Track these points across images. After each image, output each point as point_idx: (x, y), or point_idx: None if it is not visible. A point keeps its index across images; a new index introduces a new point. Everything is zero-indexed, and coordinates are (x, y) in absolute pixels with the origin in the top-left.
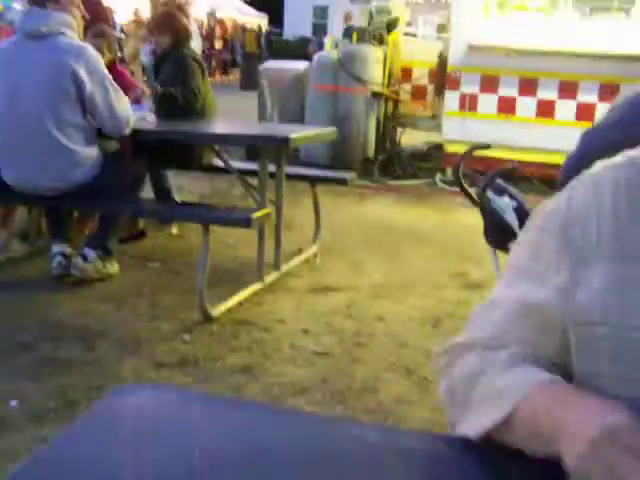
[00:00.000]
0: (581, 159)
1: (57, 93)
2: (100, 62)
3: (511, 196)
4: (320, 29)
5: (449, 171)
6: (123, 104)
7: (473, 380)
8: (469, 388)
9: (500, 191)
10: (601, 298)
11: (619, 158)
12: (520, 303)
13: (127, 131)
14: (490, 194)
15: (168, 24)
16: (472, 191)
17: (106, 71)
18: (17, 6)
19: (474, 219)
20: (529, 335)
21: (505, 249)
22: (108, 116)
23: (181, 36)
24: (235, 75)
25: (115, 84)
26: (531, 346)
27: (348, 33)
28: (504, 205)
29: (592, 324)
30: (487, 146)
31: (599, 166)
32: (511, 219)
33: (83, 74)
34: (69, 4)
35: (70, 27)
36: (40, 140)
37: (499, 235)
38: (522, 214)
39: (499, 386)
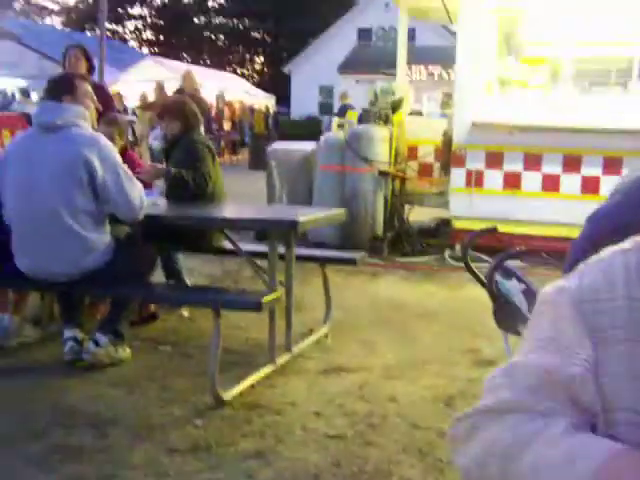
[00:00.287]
0: (589, 243)
1: (70, 182)
2: (112, 150)
3: (519, 279)
4: (326, 108)
5: (458, 247)
6: (136, 190)
7: (516, 451)
8: (509, 460)
9: (508, 274)
10: (618, 382)
11: (627, 243)
12: (549, 373)
13: (141, 216)
14: (498, 277)
15: (178, 111)
16: (480, 273)
17: (119, 158)
18: (34, 97)
19: (483, 295)
20: (561, 406)
21: (515, 332)
22: (122, 202)
23: (191, 122)
24: (244, 155)
25: (128, 171)
26: (568, 416)
27: (342, 111)
28: (512, 288)
29: (611, 410)
30: (494, 229)
31: (608, 252)
32: (520, 302)
33: (96, 163)
34: (83, 96)
35: (84, 118)
36: (54, 228)
37: (509, 318)
38: (530, 296)
39: (566, 453)
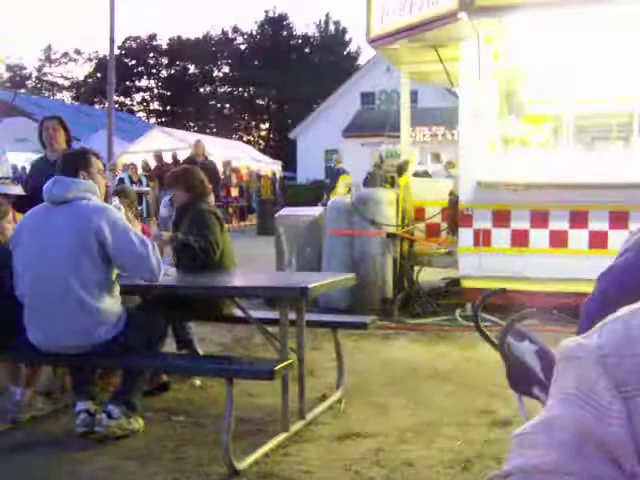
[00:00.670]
0: (602, 301)
1: (81, 253)
2: (121, 217)
3: (531, 340)
4: (332, 172)
5: (468, 306)
6: (149, 250)
7: None
8: None
9: (520, 336)
10: None
11: None
12: (583, 432)
13: (161, 276)
14: (510, 339)
15: (185, 180)
16: (492, 334)
17: (128, 224)
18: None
19: (495, 354)
20: (606, 467)
21: (530, 394)
22: (137, 264)
23: (198, 191)
24: (252, 221)
25: (139, 233)
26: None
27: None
28: (525, 350)
29: None
30: (502, 290)
31: (625, 310)
32: (532, 362)
33: (106, 230)
34: (96, 173)
35: (94, 193)
36: (65, 300)
37: (522, 380)
38: (544, 357)
39: None
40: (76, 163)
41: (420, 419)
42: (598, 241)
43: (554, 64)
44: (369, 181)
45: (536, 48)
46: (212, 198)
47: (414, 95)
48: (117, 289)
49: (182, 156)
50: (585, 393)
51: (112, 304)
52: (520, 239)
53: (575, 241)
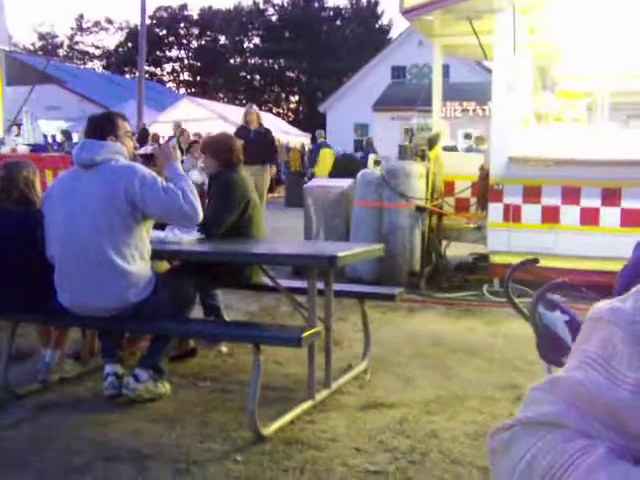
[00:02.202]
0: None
1: (113, 214)
2: (149, 171)
3: (563, 310)
4: (361, 146)
5: (496, 282)
6: (179, 195)
7: (556, 472)
8: (550, 475)
9: (551, 306)
10: None
11: None
12: (593, 392)
13: (200, 216)
14: (541, 309)
15: (213, 148)
16: (522, 306)
17: (156, 176)
18: (75, 138)
19: (523, 330)
20: (604, 428)
21: (560, 364)
22: (173, 212)
23: (228, 161)
24: (280, 193)
25: (168, 184)
26: (608, 440)
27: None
28: (556, 320)
29: None
30: (535, 260)
31: None
32: (564, 333)
33: (136, 187)
34: (124, 137)
35: (122, 154)
36: (96, 263)
37: (553, 350)
38: (575, 327)
39: None
40: (103, 126)
41: (445, 392)
42: (630, 219)
43: (591, 39)
44: (400, 154)
45: (573, 22)
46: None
47: (446, 69)
48: (148, 252)
49: (211, 127)
50: (605, 359)
51: (142, 267)
52: (551, 215)
53: (607, 218)
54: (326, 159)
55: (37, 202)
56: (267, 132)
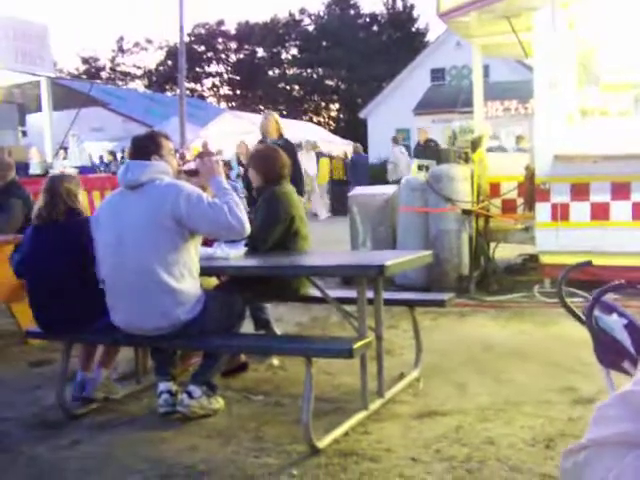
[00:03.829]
0: None
1: (160, 234)
2: (193, 189)
3: (620, 313)
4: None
5: (547, 282)
6: (224, 211)
7: None
8: None
9: (608, 309)
10: None
11: None
12: None
13: (247, 228)
14: (597, 313)
15: (257, 163)
16: (576, 307)
17: (201, 192)
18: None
19: (576, 331)
20: None
21: (619, 369)
22: (220, 228)
23: (272, 175)
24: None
25: (214, 200)
26: None
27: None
28: (613, 323)
29: None
30: (589, 263)
31: None
32: (622, 337)
33: (182, 205)
34: (169, 155)
35: (167, 173)
36: (146, 282)
37: (611, 354)
38: (634, 331)
39: None
40: (147, 147)
41: (500, 397)
42: None
43: (632, 30)
44: (442, 157)
45: (613, 13)
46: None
47: (485, 69)
48: (197, 270)
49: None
50: None
51: (192, 285)
52: (600, 212)
53: None
54: (323, 168)
55: (82, 213)
56: (287, 143)
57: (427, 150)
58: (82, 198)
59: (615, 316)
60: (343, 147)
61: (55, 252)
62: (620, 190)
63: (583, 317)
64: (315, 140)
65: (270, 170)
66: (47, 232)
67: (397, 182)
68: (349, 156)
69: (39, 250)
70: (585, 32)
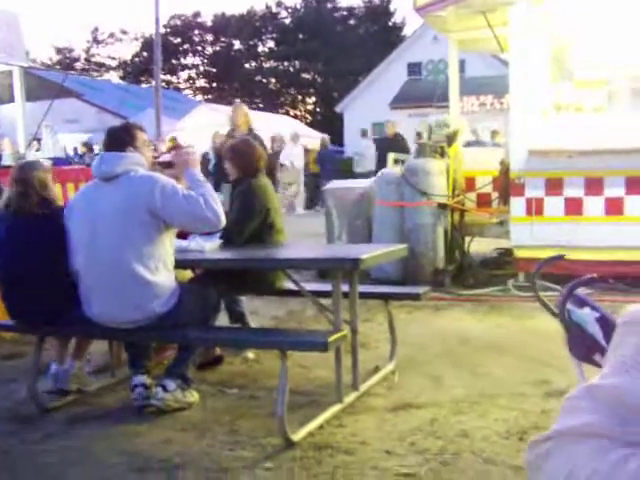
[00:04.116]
0: None
1: (134, 226)
2: (168, 180)
3: (592, 307)
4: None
5: (522, 276)
6: (200, 203)
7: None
8: None
9: (580, 302)
10: None
11: None
12: (632, 397)
13: (223, 221)
14: (570, 306)
15: (233, 155)
16: (549, 301)
17: (176, 185)
18: (96, 149)
19: (551, 325)
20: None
21: (591, 361)
22: (195, 220)
23: (248, 168)
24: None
25: (189, 192)
26: None
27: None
28: (586, 317)
29: None
30: (561, 257)
31: None
32: (594, 331)
33: (157, 197)
34: (143, 146)
35: (141, 165)
36: (120, 274)
37: (583, 348)
38: (605, 324)
39: None
40: (121, 138)
41: (474, 390)
42: None
43: (606, 26)
44: (418, 151)
45: (587, 10)
46: None
47: (461, 64)
48: (172, 262)
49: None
50: None
51: (167, 277)
52: (574, 207)
53: (632, 208)
54: None
55: (55, 202)
56: (255, 137)
57: (394, 143)
58: (52, 184)
59: (587, 309)
60: (319, 140)
61: (27, 244)
62: (593, 185)
63: (556, 310)
64: (296, 132)
65: (246, 163)
66: (18, 223)
67: (363, 175)
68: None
69: (10, 241)
70: (559, 28)
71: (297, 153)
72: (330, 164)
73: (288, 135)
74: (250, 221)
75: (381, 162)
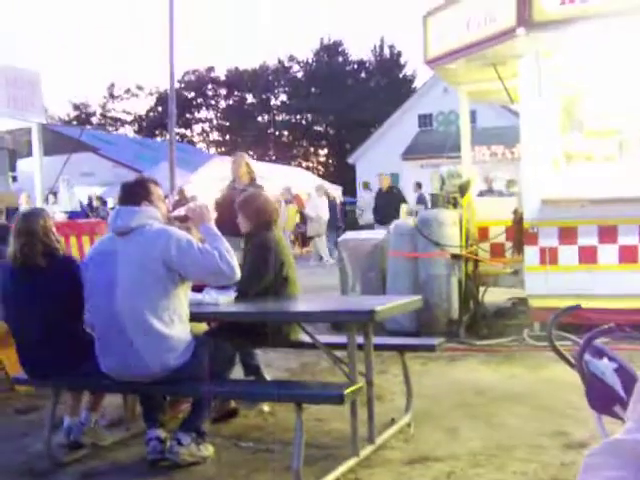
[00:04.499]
0: None
1: (150, 279)
2: (183, 234)
3: (610, 357)
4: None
5: (536, 326)
6: (215, 256)
7: None
8: None
9: (598, 353)
10: None
11: None
12: None
13: (237, 273)
14: (588, 357)
15: (249, 208)
16: (566, 351)
17: (191, 238)
18: (110, 203)
19: (566, 375)
20: None
21: (610, 413)
22: (210, 273)
23: (261, 221)
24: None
25: (204, 245)
26: None
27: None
28: (604, 367)
29: None
30: (578, 307)
31: None
32: (613, 381)
33: (172, 251)
34: (158, 200)
35: (157, 219)
36: (135, 327)
37: (602, 399)
38: (624, 375)
39: None
40: (136, 192)
41: (492, 442)
42: None
43: (615, 77)
44: (431, 202)
45: (596, 61)
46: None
47: (472, 115)
48: (186, 315)
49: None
50: None
51: (182, 330)
52: (588, 256)
53: None
54: (290, 214)
55: (60, 250)
56: (258, 188)
57: (389, 196)
58: (55, 231)
59: (605, 360)
60: (332, 192)
61: (36, 297)
62: (607, 233)
63: (573, 361)
64: (321, 184)
65: (260, 216)
66: (25, 276)
67: (367, 226)
68: (338, 201)
69: (19, 295)
70: (569, 79)
71: (322, 205)
72: (334, 215)
73: (313, 188)
74: (265, 275)
75: (378, 214)
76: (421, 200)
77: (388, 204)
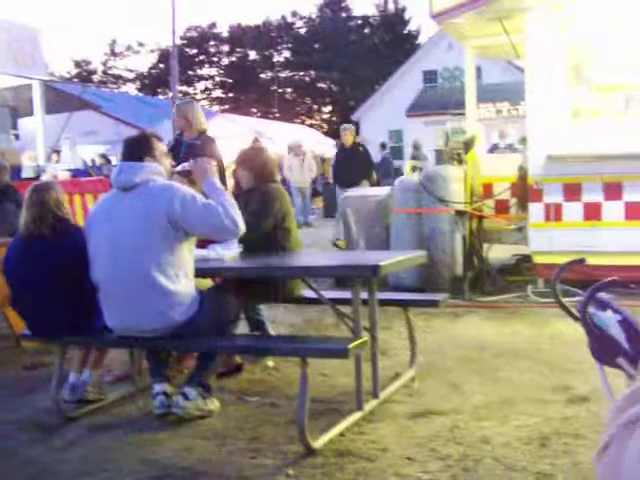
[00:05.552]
0: None
1: (154, 235)
2: (187, 190)
3: (614, 309)
4: (397, 152)
5: (540, 282)
6: (219, 211)
7: None
8: None
9: (602, 305)
10: None
11: None
12: None
13: (242, 229)
14: (592, 309)
15: (251, 163)
16: (570, 306)
17: (195, 194)
18: (113, 161)
19: (571, 330)
20: None
21: (614, 365)
22: (215, 228)
23: (264, 174)
24: (317, 204)
25: (207, 200)
26: None
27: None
28: (608, 319)
29: None
30: (582, 260)
31: None
32: (617, 333)
33: (177, 207)
34: (162, 156)
35: (160, 175)
36: (141, 284)
37: (606, 351)
38: (628, 327)
39: None
40: (139, 148)
41: (495, 396)
42: None
43: (623, 30)
44: (437, 159)
45: (605, 15)
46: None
47: (478, 71)
48: (192, 271)
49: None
50: None
51: (187, 286)
52: (593, 212)
53: None
54: None
55: (70, 220)
56: (207, 139)
57: (352, 155)
58: (66, 202)
59: (610, 312)
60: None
61: (45, 266)
62: (612, 190)
63: (578, 314)
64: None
65: (261, 169)
66: (35, 246)
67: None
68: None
69: (27, 263)
70: (576, 33)
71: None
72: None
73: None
74: (264, 220)
75: (337, 175)
76: (384, 163)
77: (349, 164)
